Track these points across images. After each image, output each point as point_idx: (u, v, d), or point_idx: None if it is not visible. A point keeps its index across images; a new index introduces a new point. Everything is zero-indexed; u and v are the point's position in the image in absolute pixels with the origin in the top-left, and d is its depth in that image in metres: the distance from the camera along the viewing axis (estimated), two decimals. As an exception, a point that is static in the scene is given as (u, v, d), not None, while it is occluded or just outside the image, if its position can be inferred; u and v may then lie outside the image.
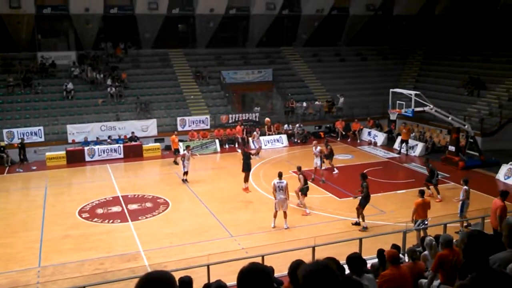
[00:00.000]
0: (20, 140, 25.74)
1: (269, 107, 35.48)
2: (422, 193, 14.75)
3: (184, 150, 23.01)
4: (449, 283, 6.99)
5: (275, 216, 16.35)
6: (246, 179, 20.65)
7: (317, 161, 21.65)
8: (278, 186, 16.04)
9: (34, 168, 25.02)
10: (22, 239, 15.88)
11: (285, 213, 16.20)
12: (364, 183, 15.98)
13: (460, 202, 15.41)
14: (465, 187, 15.56)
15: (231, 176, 23.26)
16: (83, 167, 25.45)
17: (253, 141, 28.06)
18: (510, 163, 22.00)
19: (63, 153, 25.83)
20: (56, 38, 35.30)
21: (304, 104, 32.82)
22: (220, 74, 34.42)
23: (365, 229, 15.84)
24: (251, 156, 21.45)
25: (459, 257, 3.24)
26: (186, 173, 22.00)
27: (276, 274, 9.08)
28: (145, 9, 32.93)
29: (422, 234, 13.80)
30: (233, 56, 37.09)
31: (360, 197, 16.16)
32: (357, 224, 16.25)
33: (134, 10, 33.33)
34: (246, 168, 20.74)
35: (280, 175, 16.50)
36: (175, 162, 25.46)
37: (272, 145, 29.12)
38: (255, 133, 28.30)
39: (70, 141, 27.06)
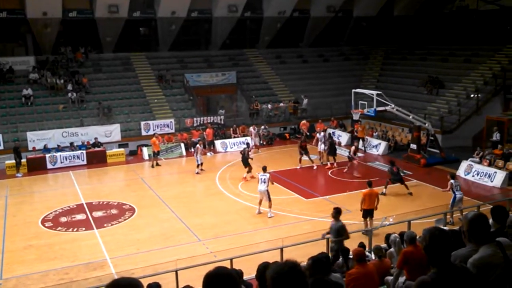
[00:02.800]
0: (14, 145, 24.94)
1: (234, 109, 35.48)
2: (369, 184, 15.95)
3: (196, 145, 24.92)
4: (415, 279, 7.15)
5: (260, 203, 17.66)
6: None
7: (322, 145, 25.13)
8: (261, 179, 17.46)
9: (21, 174, 24.33)
10: (-18, 251, 15.39)
11: (269, 203, 17.39)
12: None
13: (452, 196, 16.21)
14: (451, 180, 16.36)
15: (197, 180, 23.19)
16: (45, 175, 24.84)
17: (251, 139, 28.68)
18: (470, 159, 22.69)
19: (23, 161, 25.10)
20: (13, 43, 34.30)
21: (269, 106, 32.96)
22: (183, 77, 34.21)
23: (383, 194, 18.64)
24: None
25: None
26: (201, 164, 23.84)
27: (245, 277, 9.12)
28: (105, 12, 32.38)
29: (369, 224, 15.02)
30: (196, 59, 36.93)
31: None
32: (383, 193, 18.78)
33: (94, 14, 32.73)
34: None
35: (264, 169, 17.91)
36: (157, 164, 25.60)
37: (238, 147, 29.06)
38: (251, 129, 28.88)
39: (30, 148, 26.32)
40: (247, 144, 23.82)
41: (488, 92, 28.65)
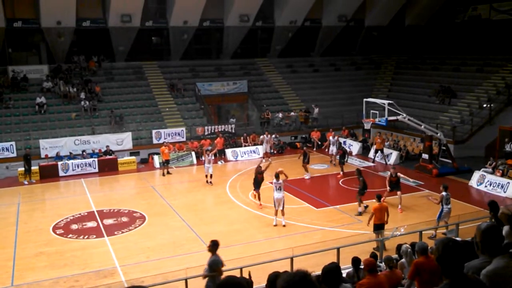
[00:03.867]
0: (25, 152, 25.12)
1: (245, 118, 35.55)
2: (378, 197, 15.35)
3: (204, 154, 24.34)
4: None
5: (275, 214, 17.45)
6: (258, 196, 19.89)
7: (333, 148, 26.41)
8: (275, 186, 17.33)
9: (34, 181, 24.60)
10: (-6, 257, 15.50)
11: (282, 211, 17.27)
12: (361, 178, 18.71)
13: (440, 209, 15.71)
14: (443, 193, 15.83)
15: (207, 189, 23.18)
16: (57, 182, 25.01)
17: (264, 144, 29.07)
18: (482, 169, 22.47)
19: (36, 168, 25.33)
20: (27, 52, 34.78)
21: (280, 115, 32.98)
22: (195, 86, 34.39)
23: (360, 214, 18.27)
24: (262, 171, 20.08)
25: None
26: (210, 176, 23.33)
27: (255, 287, 9.07)
28: (118, 22, 32.73)
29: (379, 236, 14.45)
30: (207, 68, 37.13)
31: (359, 189, 18.73)
32: (360, 214, 18.36)
33: (107, 23, 33.10)
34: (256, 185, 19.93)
35: (277, 176, 17.46)
36: (168, 173, 25.70)
37: (248, 156, 29.14)
38: (264, 136, 28.89)
39: (43, 156, 26.57)
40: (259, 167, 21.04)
41: (501, 101, 28.41)
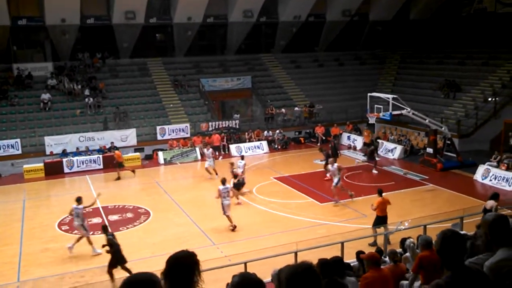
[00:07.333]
0: None
1: (249, 114, 35.53)
2: (380, 192, 15.43)
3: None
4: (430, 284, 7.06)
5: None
6: None
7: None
8: (224, 192, 16.79)
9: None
10: (0, 253, 15.59)
11: (228, 217, 16.87)
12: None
13: None
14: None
15: (212, 184, 23.15)
16: (62, 179, 25.10)
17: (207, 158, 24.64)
18: (487, 163, 22.39)
19: (41, 165, 25.44)
20: (32, 49, 34.81)
21: (283, 110, 32.94)
22: (199, 82, 34.38)
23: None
24: None
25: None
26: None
27: (258, 281, 9.05)
28: (122, 19, 32.72)
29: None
30: (211, 64, 37.09)
31: None
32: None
33: (111, 20, 33.09)
34: None
35: (223, 182, 17.03)
36: (118, 178, 24.56)
37: (252, 151, 29.13)
38: (205, 150, 25.12)
39: (48, 153, 26.69)
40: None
41: (506, 95, 28.24)
